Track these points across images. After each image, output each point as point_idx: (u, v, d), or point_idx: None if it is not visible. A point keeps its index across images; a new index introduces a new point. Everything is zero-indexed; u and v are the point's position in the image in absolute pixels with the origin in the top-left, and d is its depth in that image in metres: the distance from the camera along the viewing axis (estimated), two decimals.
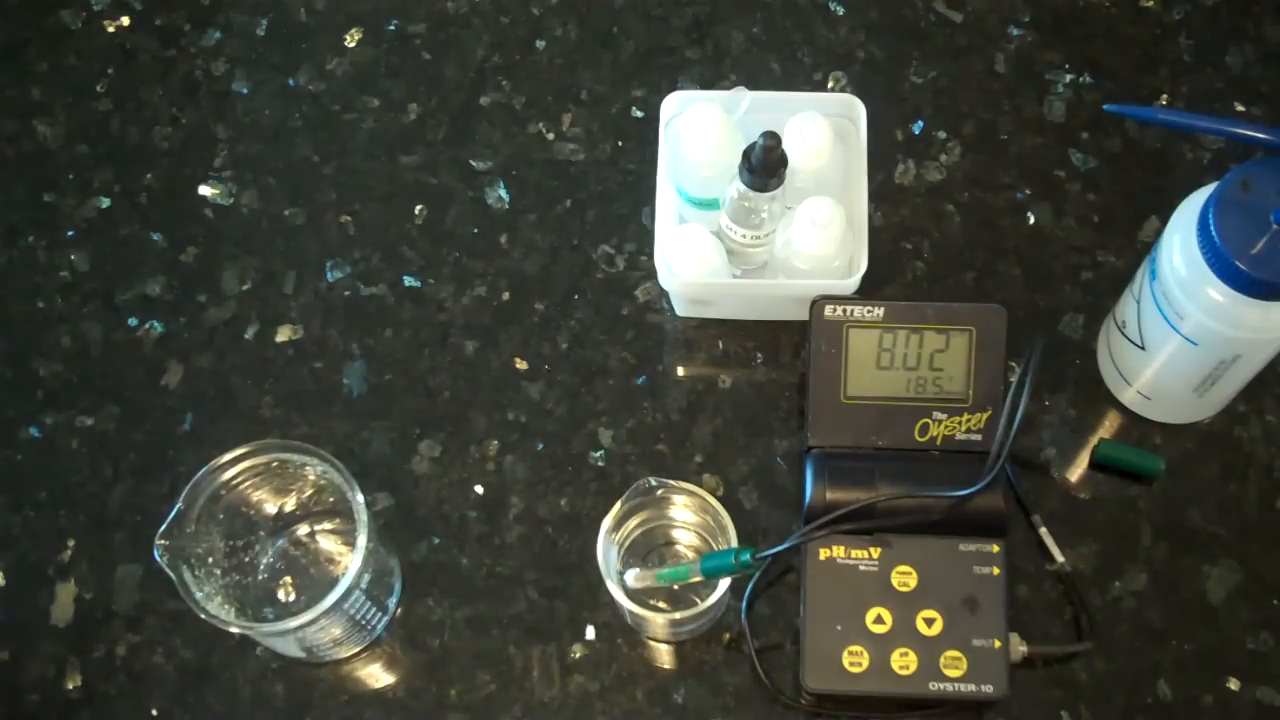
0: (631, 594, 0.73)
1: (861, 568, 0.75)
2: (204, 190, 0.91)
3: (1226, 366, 0.74)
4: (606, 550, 0.73)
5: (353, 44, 0.94)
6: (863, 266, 0.79)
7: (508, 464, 0.83)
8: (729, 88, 0.82)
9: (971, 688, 0.72)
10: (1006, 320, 0.76)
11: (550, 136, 0.91)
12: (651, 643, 0.79)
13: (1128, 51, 0.92)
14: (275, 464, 0.74)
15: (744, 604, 0.77)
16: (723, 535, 0.74)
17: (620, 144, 0.91)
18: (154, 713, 0.78)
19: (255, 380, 0.85)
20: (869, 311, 0.76)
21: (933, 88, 0.92)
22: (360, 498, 0.71)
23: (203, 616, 0.70)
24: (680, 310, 0.86)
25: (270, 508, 0.78)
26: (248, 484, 0.75)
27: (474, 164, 0.91)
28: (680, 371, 0.85)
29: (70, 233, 0.90)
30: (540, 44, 0.94)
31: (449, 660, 0.78)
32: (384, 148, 0.91)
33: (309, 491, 0.78)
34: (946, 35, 0.93)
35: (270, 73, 0.94)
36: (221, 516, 0.75)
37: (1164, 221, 0.73)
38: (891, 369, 0.76)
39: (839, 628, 0.74)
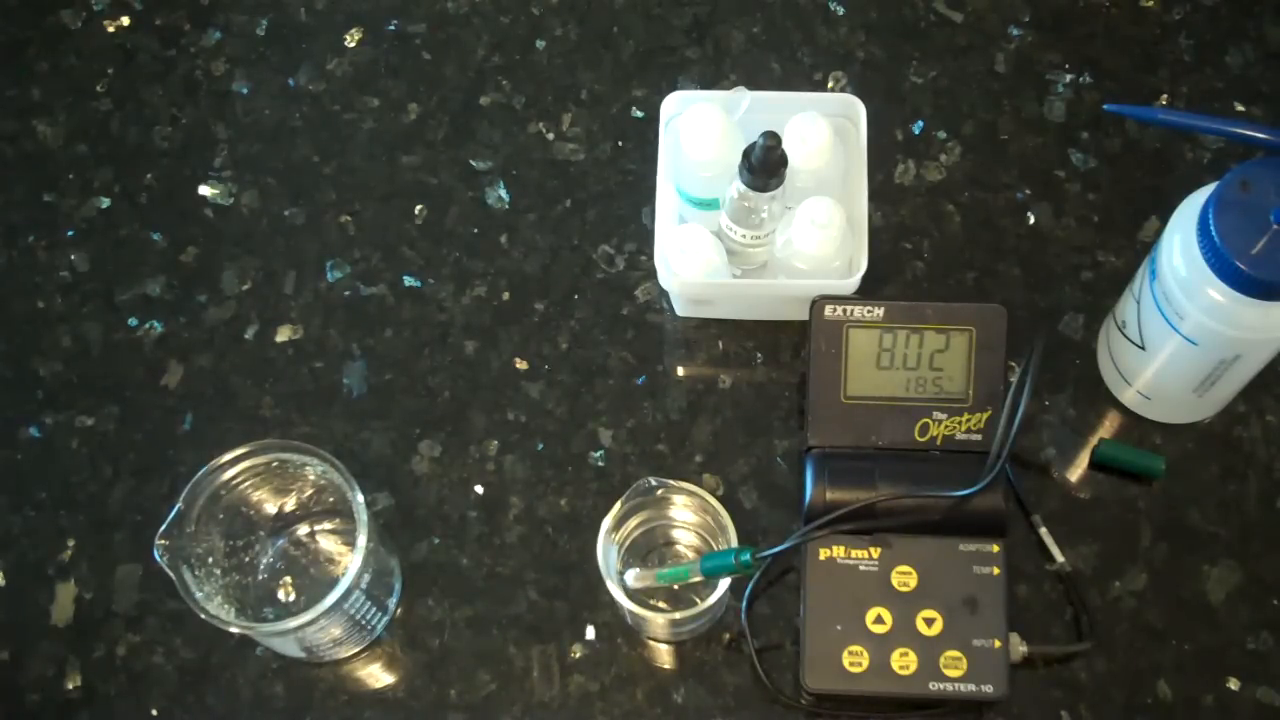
0: (631, 594, 0.73)
1: (861, 568, 0.75)
2: (204, 190, 0.91)
3: (1226, 366, 0.74)
4: (606, 550, 0.73)
5: (353, 44, 0.94)
6: (863, 266, 0.79)
7: (508, 464, 0.83)
8: (729, 88, 0.83)
9: (971, 688, 0.72)
10: (1006, 320, 0.76)
11: (550, 136, 0.91)
12: (651, 643, 0.79)
13: (1128, 51, 0.92)
14: (275, 464, 0.74)
15: (744, 604, 0.77)
16: (723, 535, 0.74)
17: (620, 144, 0.91)
18: (154, 713, 0.78)
19: (255, 380, 0.85)
20: (869, 311, 0.76)
21: (933, 88, 0.92)
22: (360, 498, 0.71)
23: (203, 616, 0.70)
24: (680, 310, 0.86)
25: (270, 508, 0.78)
26: (248, 484, 0.75)
27: (474, 164, 0.91)
28: (680, 371, 0.85)
29: (70, 233, 0.90)
30: (540, 44, 0.94)
31: (449, 660, 0.78)
32: (384, 148, 0.91)
33: (309, 491, 0.78)
34: (946, 35, 0.93)
35: (270, 73, 0.94)
36: (221, 516, 0.75)
37: (1164, 221, 0.73)
38: (891, 369, 0.76)
39: (839, 628, 0.74)
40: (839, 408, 0.76)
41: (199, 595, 0.70)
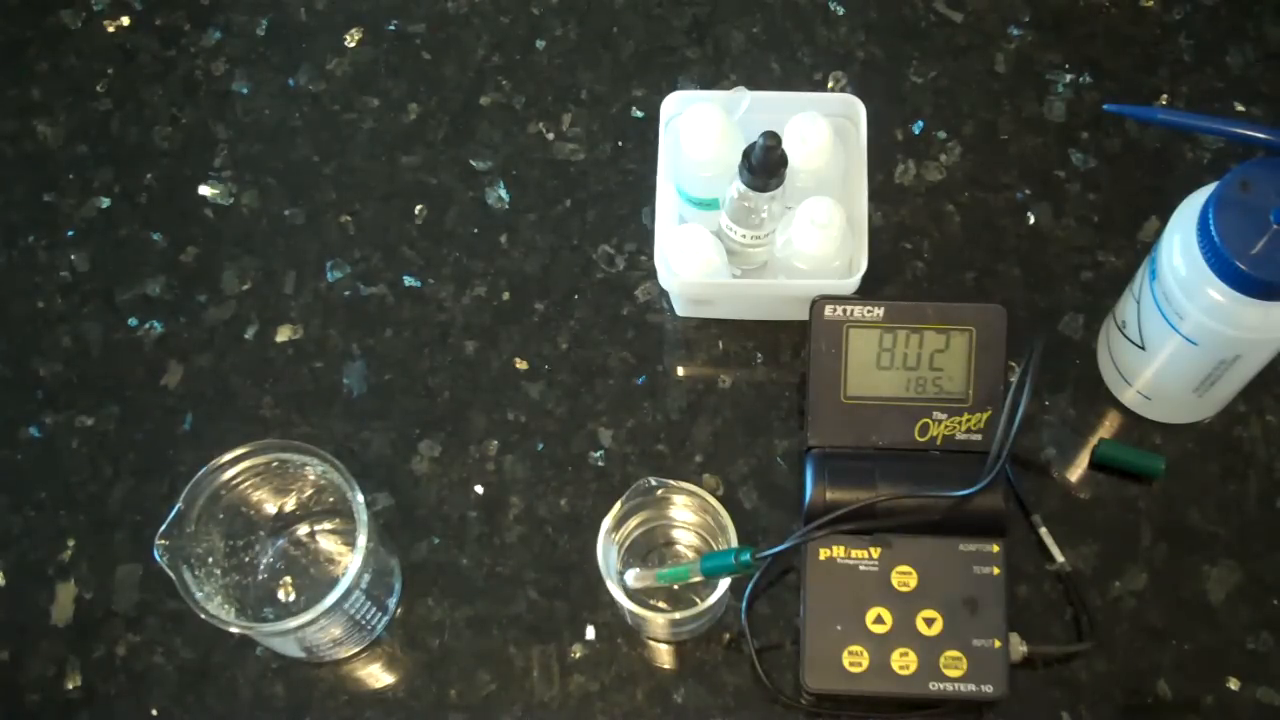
0: (631, 594, 0.73)
1: (861, 568, 0.75)
2: (204, 190, 0.91)
3: (1226, 366, 0.74)
4: (606, 550, 0.73)
5: (353, 44, 0.94)
6: (863, 266, 0.79)
7: (508, 464, 0.83)
8: (729, 88, 0.83)
9: (971, 688, 0.72)
10: (1006, 320, 0.76)
11: (550, 136, 0.91)
12: (651, 643, 0.79)
13: (1128, 51, 0.92)
14: (275, 464, 0.74)
15: (744, 604, 0.77)
16: (723, 535, 0.74)
17: (620, 144, 0.91)
18: (154, 713, 0.78)
19: (255, 380, 0.85)
20: (869, 311, 0.76)
21: (933, 88, 0.92)
22: (360, 498, 0.71)
23: (203, 616, 0.70)
24: (680, 310, 0.86)
25: (270, 508, 0.78)
26: (248, 484, 0.75)
27: (474, 164, 0.91)
28: (680, 371, 0.85)
29: (70, 233, 0.90)
30: (540, 44, 0.94)
31: (449, 660, 0.78)
32: (384, 148, 0.91)
33: (309, 491, 0.78)
34: (946, 35, 0.93)
35: (270, 73, 0.94)
36: (221, 516, 0.75)
37: (1164, 221, 0.73)
38: (891, 369, 0.76)
39: (839, 628, 0.74)
40: (839, 408, 0.76)
41: (199, 595, 0.70)
